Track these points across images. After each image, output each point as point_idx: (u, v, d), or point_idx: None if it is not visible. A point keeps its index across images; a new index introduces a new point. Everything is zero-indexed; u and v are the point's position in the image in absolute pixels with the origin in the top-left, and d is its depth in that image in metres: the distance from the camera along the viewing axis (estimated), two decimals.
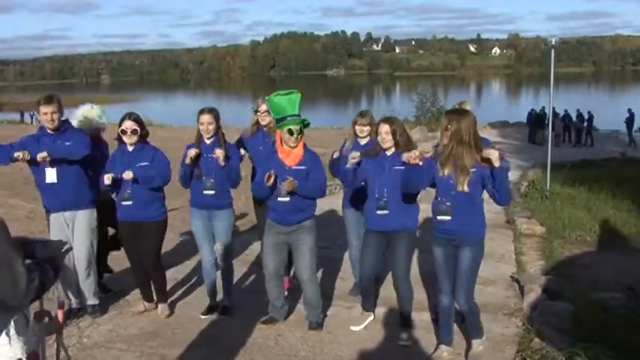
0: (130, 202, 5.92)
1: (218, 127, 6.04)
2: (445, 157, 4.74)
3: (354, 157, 5.40)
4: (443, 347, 5.14)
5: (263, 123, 6.80)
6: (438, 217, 4.86)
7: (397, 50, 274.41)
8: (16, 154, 5.58)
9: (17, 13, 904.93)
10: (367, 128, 6.16)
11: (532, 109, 31.78)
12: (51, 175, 5.85)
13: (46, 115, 5.74)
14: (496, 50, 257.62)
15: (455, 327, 5.29)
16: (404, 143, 5.35)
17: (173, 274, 7.37)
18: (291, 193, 5.47)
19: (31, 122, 52.48)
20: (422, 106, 37.54)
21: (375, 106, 67.71)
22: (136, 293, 6.59)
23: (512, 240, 9.11)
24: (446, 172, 4.76)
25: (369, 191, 5.49)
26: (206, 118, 5.96)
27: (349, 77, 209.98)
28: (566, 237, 9.30)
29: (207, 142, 6.01)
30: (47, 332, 3.16)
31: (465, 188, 4.68)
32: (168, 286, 6.57)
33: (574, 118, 30.62)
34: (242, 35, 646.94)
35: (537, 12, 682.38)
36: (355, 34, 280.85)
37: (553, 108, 14.50)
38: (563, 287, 6.59)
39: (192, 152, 5.87)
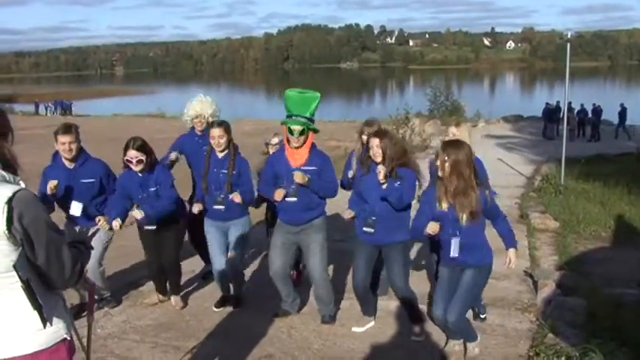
0: (153, 227, 5.96)
1: (229, 140, 5.99)
2: (443, 192, 4.62)
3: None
4: (453, 342, 5.13)
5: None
6: (449, 254, 4.75)
7: (411, 43, 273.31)
8: (48, 190, 5.62)
9: (33, 4, 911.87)
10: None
11: (547, 104, 31.53)
12: (76, 208, 5.83)
13: (64, 145, 5.68)
14: (510, 44, 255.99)
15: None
16: (396, 156, 5.16)
17: (188, 267, 7.39)
18: (300, 190, 5.44)
19: (46, 114, 52.87)
20: (435, 100, 37.35)
21: (389, 100, 67.62)
22: (150, 285, 6.62)
23: (526, 235, 9.06)
24: (444, 206, 4.63)
25: (361, 207, 5.41)
26: (217, 131, 5.88)
27: (363, 70, 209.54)
28: (581, 232, 9.25)
29: (219, 155, 5.95)
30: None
31: (468, 224, 4.59)
32: (182, 279, 6.60)
33: (589, 113, 30.37)
34: (256, 27, 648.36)
35: (554, 5, 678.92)
36: (369, 27, 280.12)
37: (569, 103, 14.40)
38: (577, 283, 6.56)
39: (196, 209, 5.97)
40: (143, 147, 5.79)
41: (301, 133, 5.38)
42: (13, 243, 2.38)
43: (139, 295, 6.65)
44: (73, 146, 5.72)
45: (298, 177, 5.35)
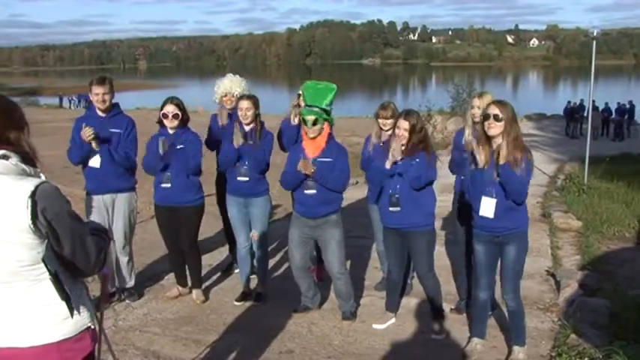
0: (169, 185, 5.96)
1: (257, 115, 6.03)
2: (488, 150, 4.60)
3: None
4: (476, 340, 5.09)
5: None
6: (481, 214, 4.73)
7: (434, 40, 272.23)
8: (83, 136, 5.68)
9: None
10: (390, 121, 5.89)
11: (569, 102, 31.27)
12: (95, 159, 5.91)
13: (98, 96, 5.81)
14: (534, 41, 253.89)
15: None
16: (419, 140, 5.21)
17: (208, 260, 7.42)
18: (314, 179, 5.43)
19: (69, 107, 53.37)
20: (458, 97, 37.11)
21: (411, 96, 67.41)
22: (171, 278, 6.66)
23: (548, 234, 8.98)
24: (487, 165, 4.61)
25: (384, 188, 5.42)
26: (245, 103, 5.95)
27: (385, 67, 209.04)
28: (604, 232, 9.14)
29: (246, 128, 6.00)
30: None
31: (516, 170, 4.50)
32: (203, 272, 6.62)
33: (613, 112, 30.07)
34: (278, 23, 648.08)
35: (579, 2, 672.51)
36: (392, 23, 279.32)
37: (593, 101, 14.24)
38: (600, 283, 6.49)
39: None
40: (180, 104, 5.97)
41: (314, 123, 5.39)
42: (39, 236, 2.40)
43: (160, 289, 6.68)
44: (107, 97, 5.84)
45: (302, 165, 5.35)
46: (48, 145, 9.32)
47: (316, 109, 5.43)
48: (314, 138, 5.47)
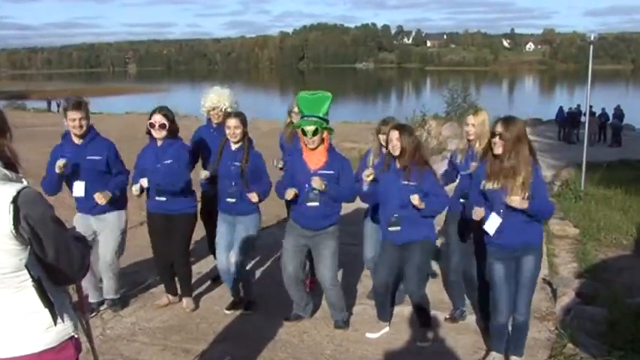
0: (164, 198, 5.92)
1: (245, 133, 6.00)
2: (498, 169, 4.59)
3: (368, 174, 5.35)
4: (494, 354, 5.06)
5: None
6: (485, 227, 4.73)
7: (428, 44, 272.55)
8: (57, 169, 5.60)
9: (45, 0, 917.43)
10: None
11: (561, 107, 31.40)
12: (79, 188, 5.81)
13: (75, 122, 5.67)
14: (530, 46, 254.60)
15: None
16: (411, 151, 5.20)
17: (198, 268, 7.39)
18: (321, 193, 5.41)
19: (57, 111, 53.14)
20: (453, 102, 37.21)
21: (405, 101, 67.58)
22: (161, 286, 6.62)
23: (545, 241, 8.94)
24: (495, 185, 4.61)
25: (382, 206, 5.42)
26: (233, 122, 5.90)
27: (379, 71, 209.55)
28: (601, 239, 9.15)
29: (233, 147, 5.97)
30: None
31: (525, 205, 4.51)
32: (193, 280, 6.59)
33: (611, 117, 30.21)
34: (270, 26, 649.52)
35: (575, 7, 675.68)
36: (386, 27, 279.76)
37: (590, 106, 14.28)
38: (598, 291, 6.50)
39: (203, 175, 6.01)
40: (168, 114, 5.88)
41: (314, 133, 5.36)
42: (21, 242, 2.38)
43: (149, 297, 6.65)
44: (84, 122, 5.72)
45: (316, 182, 5.33)
46: (35, 150, 9.28)
47: (315, 119, 5.39)
48: (314, 149, 5.45)
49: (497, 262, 4.78)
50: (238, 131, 5.89)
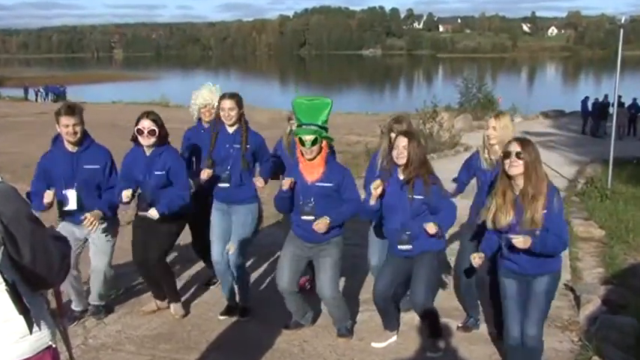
0: (155, 217, 5.77)
1: (241, 115, 6.01)
2: (511, 201, 4.54)
3: (376, 186, 5.25)
4: None
5: None
6: (507, 256, 4.70)
7: (441, 29, 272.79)
8: (45, 200, 5.57)
9: None
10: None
11: (586, 97, 31.32)
12: (71, 200, 5.76)
13: (68, 128, 5.62)
14: (553, 30, 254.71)
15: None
16: (417, 162, 5.17)
17: (190, 270, 7.40)
18: (319, 206, 5.40)
19: (36, 99, 53.16)
20: (467, 92, 37.12)
21: (415, 91, 67.51)
22: (148, 291, 6.62)
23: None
24: (509, 219, 4.55)
25: (390, 220, 5.37)
26: (227, 103, 5.91)
27: (387, 58, 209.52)
28: (630, 242, 9.11)
29: (230, 130, 5.98)
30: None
31: (528, 244, 4.44)
32: (184, 283, 6.60)
33: None
34: (269, 9, 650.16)
35: None
36: (395, 10, 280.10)
37: (619, 97, 14.22)
38: (626, 299, 6.46)
39: (205, 175, 5.89)
40: (157, 120, 5.81)
41: (313, 143, 5.31)
42: None
43: (135, 303, 6.65)
44: (78, 129, 5.68)
45: (319, 226, 5.30)
46: (11, 142, 9.30)
47: (314, 127, 5.35)
48: (312, 159, 5.43)
49: (509, 280, 4.79)
50: (233, 113, 5.91)
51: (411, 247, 5.26)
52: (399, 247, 5.30)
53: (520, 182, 4.52)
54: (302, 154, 5.43)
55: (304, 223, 5.47)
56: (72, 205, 5.75)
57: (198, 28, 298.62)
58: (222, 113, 5.93)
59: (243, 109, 6.05)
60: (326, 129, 5.42)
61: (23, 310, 2.45)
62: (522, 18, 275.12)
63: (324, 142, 5.42)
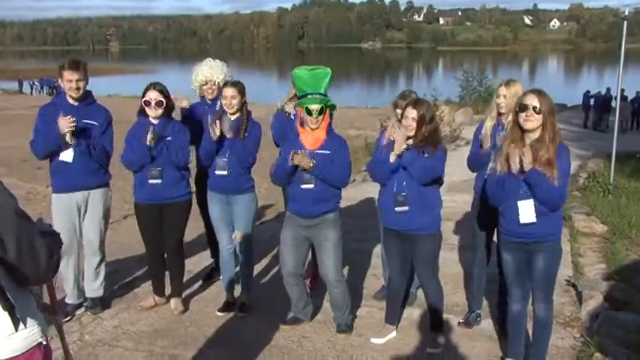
0: (159, 181, 5.88)
1: (243, 103, 6.01)
2: (525, 149, 4.50)
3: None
4: None
5: None
6: (522, 222, 4.64)
7: (441, 21, 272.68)
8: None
9: None
10: None
11: (588, 91, 31.32)
12: (67, 153, 5.79)
13: (71, 83, 5.70)
14: (555, 23, 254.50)
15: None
16: (428, 133, 5.16)
17: (188, 267, 7.37)
18: (313, 174, 5.40)
19: (31, 92, 53.11)
20: (467, 86, 37.16)
21: (415, 85, 67.33)
22: (145, 286, 6.63)
23: (568, 239, 8.92)
24: (524, 159, 4.50)
25: (387, 185, 5.37)
26: (229, 91, 5.92)
27: (386, 51, 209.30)
28: (632, 238, 9.11)
29: (231, 118, 5.99)
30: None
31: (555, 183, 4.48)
32: (183, 279, 6.58)
33: None
34: (267, 1, 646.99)
35: None
36: (394, 3, 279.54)
37: (622, 90, 14.19)
38: (629, 295, 6.46)
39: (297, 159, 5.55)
40: (164, 91, 5.90)
41: (320, 112, 5.37)
42: None
43: (133, 298, 6.65)
44: (81, 84, 5.76)
45: (298, 159, 5.29)
46: (5, 136, 9.29)
47: (319, 97, 5.39)
48: (314, 129, 5.46)
49: (508, 253, 4.81)
50: (235, 101, 5.91)
51: (407, 208, 5.22)
52: (396, 209, 5.27)
53: (534, 135, 4.52)
54: (301, 125, 5.48)
55: (302, 194, 5.49)
56: (68, 157, 5.79)
57: (195, 20, 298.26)
58: (224, 101, 5.95)
59: (246, 97, 6.06)
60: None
61: (8, 306, 2.42)
62: (524, 10, 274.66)
63: (327, 112, 5.47)
